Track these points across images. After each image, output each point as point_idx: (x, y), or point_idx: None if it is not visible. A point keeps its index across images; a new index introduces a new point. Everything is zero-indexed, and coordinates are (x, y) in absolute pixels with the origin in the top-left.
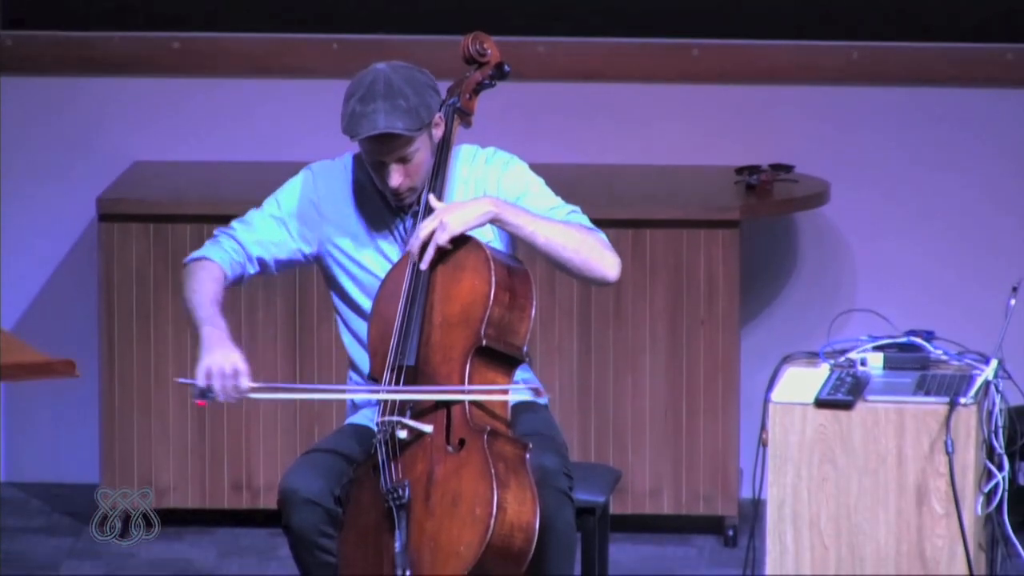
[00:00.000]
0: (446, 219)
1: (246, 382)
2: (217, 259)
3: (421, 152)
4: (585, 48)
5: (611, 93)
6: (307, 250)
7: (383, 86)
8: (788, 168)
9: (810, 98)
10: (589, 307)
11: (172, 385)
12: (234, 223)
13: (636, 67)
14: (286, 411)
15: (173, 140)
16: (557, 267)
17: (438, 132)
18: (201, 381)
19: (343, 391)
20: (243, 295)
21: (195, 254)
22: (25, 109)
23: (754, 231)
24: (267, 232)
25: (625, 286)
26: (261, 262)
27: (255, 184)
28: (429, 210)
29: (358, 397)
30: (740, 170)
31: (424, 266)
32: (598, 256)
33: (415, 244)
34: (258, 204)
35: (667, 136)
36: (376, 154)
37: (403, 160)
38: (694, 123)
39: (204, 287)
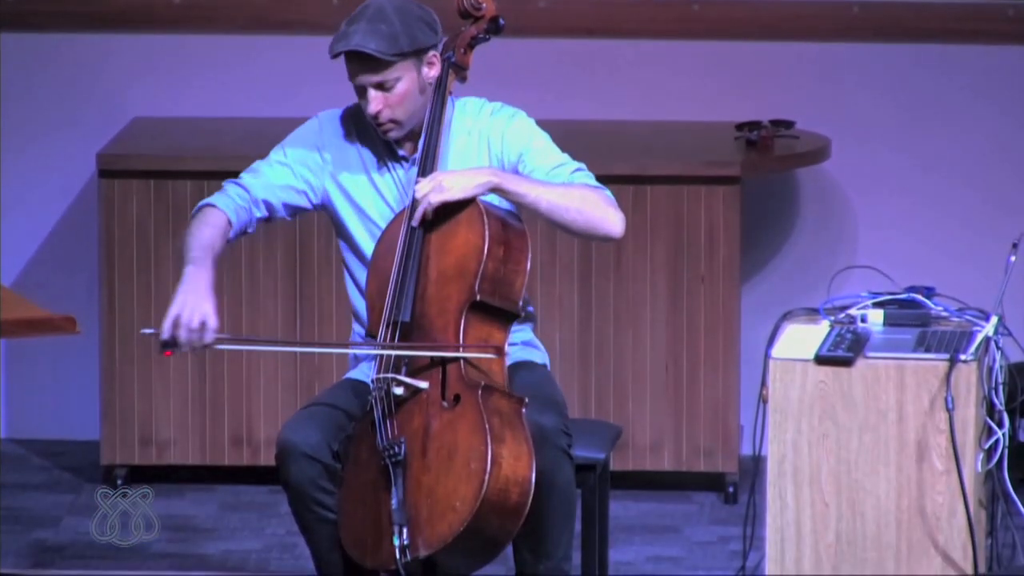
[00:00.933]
0: (445, 183)
1: (211, 335)
2: (221, 205)
3: (404, 83)
4: (586, 4)
5: (613, 49)
6: (312, 195)
7: (372, 11)
8: (789, 124)
9: (811, 54)
10: (590, 262)
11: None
12: (242, 173)
13: (637, 23)
14: (286, 366)
15: (173, 96)
16: (562, 229)
17: (430, 71)
18: (167, 332)
19: (314, 344)
20: (244, 245)
21: (201, 203)
22: (26, 65)
23: (755, 187)
24: (273, 176)
25: (626, 242)
26: (268, 205)
27: (254, 139)
28: (431, 161)
29: (335, 351)
30: (741, 126)
31: (415, 223)
32: (601, 214)
33: (413, 199)
34: (263, 157)
35: (668, 92)
36: (352, 75)
37: (381, 87)
38: (695, 79)
39: (200, 231)
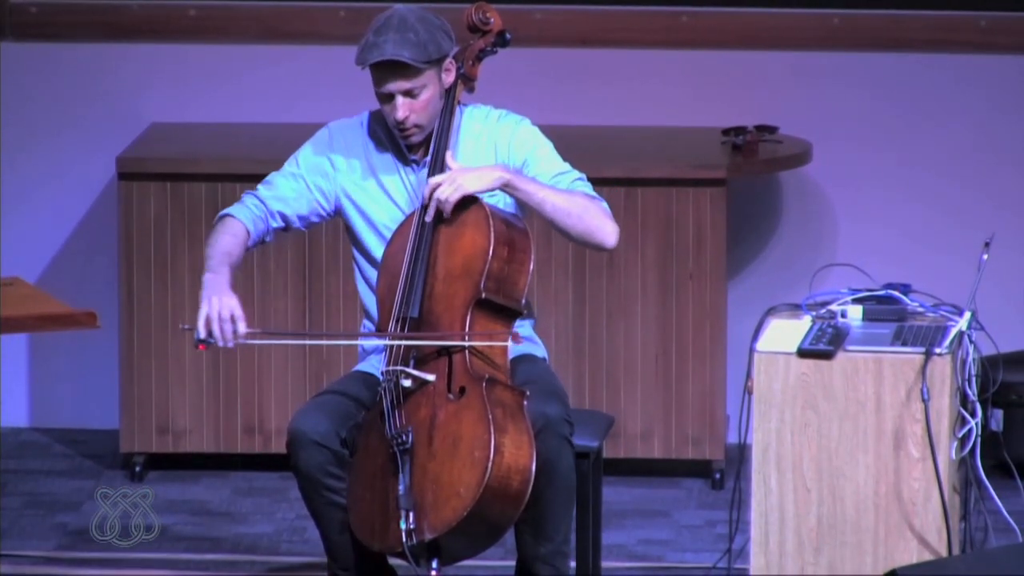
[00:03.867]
0: (460, 179)
1: (243, 327)
2: (239, 216)
3: (429, 90)
4: (580, 15)
5: (605, 58)
6: (325, 203)
7: (397, 21)
8: (772, 129)
9: (794, 63)
10: (584, 260)
11: (189, 335)
12: (259, 185)
13: (628, 33)
14: (296, 359)
15: (188, 103)
16: (560, 232)
17: (448, 78)
18: (201, 327)
19: (339, 336)
20: None
21: (221, 212)
22: (49, 73)
23: (740, 189)
24: (286, 189)
25: (618, 240)
26: (283, 216)
27: (266, 144)
28: (440, 163)
29: (361, 343)
30: (727, 131)
31: (429, 218)
32: (599, 224)
33: (427, 196)
34: (273, 165)
35: (658, 99)
36: (383, 83)
37: (409, 94)
38: (684, 87)
39: (220, 240)
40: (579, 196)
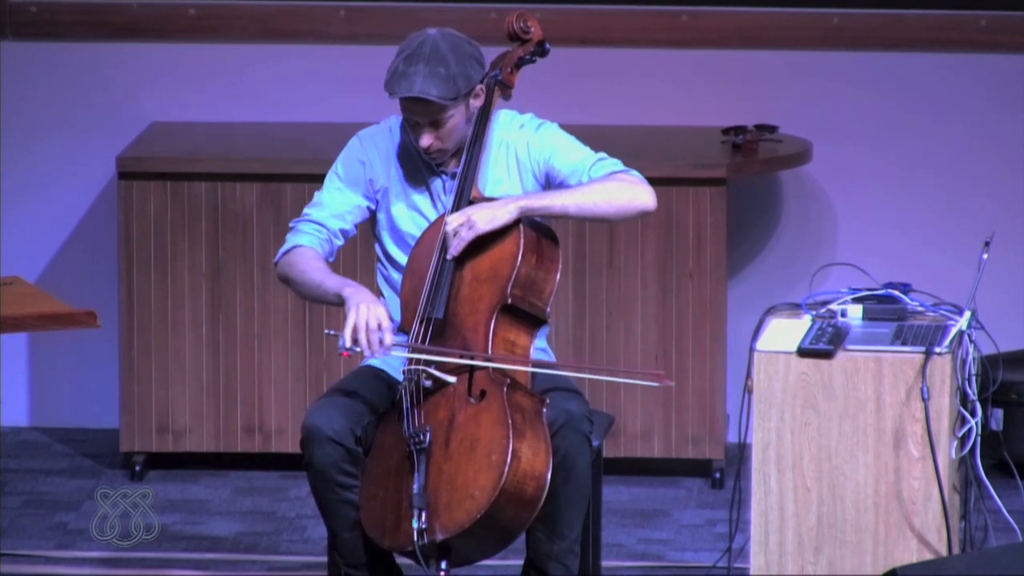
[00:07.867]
0: (475, 218)
1: (389, 338)
2: (306, 243)
3: (455, 119)
4: (580, 15)
5: (605, 57)
6: (372, 204)
7: (429, 50)
8: (772, 128)
9: (794, 62)
10: (584, 259)
11: (188, 334)
12: (305, 210)
13: (629, 32)
14: (296, 358)
15: (188, 102)
16: (601, 222)
17: (477, 102)
18: (348, 335)
19: (471, 356)
20: (257, 242)
21: (283, 248)
22: (49, 73)
23: (740, 188)
24: (337, 204)
25: (618, 240)
26: (343, 232)
27: (265, 144)
28: (468, 173)
29: (500, 366)
30: (727, 130)
31: (449, 256)
32: (627, 198)
33: (448, 231)
34: (273, 164)
35: (658, 98)
36: (409, 113)
37: (435, 125)
38: (684, 86)
39: (313, 264)
40: (596, 182)
